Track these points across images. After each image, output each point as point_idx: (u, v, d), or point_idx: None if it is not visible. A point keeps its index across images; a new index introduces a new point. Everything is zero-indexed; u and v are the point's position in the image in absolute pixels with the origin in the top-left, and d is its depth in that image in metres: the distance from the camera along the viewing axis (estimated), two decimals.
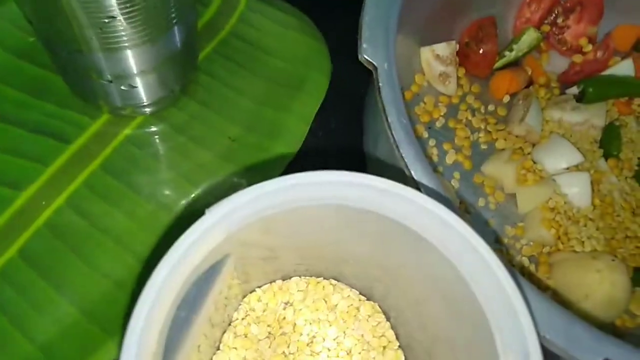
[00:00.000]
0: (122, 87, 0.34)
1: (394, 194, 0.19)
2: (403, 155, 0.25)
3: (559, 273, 0.36)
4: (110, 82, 0.33)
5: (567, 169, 0.38)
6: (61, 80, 0.37)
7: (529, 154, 0.40)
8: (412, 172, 0.25)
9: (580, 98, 0.41)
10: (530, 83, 0.43)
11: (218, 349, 0.27)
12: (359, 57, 0.28)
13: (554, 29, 0.44)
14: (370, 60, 0.27)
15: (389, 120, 0.26)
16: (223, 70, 0.41)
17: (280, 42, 0.42)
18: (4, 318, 0.31)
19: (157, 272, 0.16)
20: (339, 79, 0.42)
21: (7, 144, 0.35)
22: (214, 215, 0.18)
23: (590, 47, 0.43)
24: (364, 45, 0.27)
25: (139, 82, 0.34)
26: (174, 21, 0.32)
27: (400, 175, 0.26)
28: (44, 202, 0.34)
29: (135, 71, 0.33)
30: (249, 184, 0.20)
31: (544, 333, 0.22)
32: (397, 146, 0.25)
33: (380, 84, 0.27)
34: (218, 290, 0.21)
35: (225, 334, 0.27)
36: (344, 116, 0.41)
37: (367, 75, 0.39)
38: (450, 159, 0.39)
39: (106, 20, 0.28)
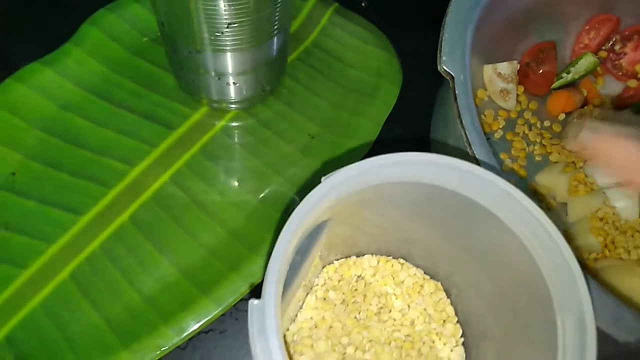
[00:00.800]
0: (224, 84, 0.40)
1: (471, 174, 0.23)
2: (475, 153, 0.29)
3: (604, 277, 0.38)
4: (214, 78, 0.38)
5: (617, 183, 0.41)
6: (167, 75, 0.43)
7: (581, 167, 0.43)
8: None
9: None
10: (585, 104, 0.46)
11: (302, 307, 0.32)
12: (439, 68, 0.32)
13: (611, 55, 0.48)
14: (449, 71, 0.32)
15: (464, 123, 0.30)
16: (305, 76, 0.46)
17: (357, 54, 0.47)
18: (117, 272, 0.36)
19: (291, 219, 0.21)
20: (407, 88, 0.46)
21: (123, 127, 0.41)
22: (329, 182, 0.23)
23: None
24: (444, 58, 0.32)
25: (238, 81, 0.40)
26: (276, 30, 0.37)
27: None
28: (151, 178, 0.40)
29: (237, 71, 0.38)
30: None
31: None
32: (470, 145, 0.29)
33: (457, 92, 0.31)
34: (317, 250, 0.26)
35: (308, 296, 0.32)
36: (409, 121, 0.46)
37: (431, 86, 0.44)
38: (506, 167, 0.43)
39: (225, 27, 0.33)
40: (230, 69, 0.38)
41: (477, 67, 0.46)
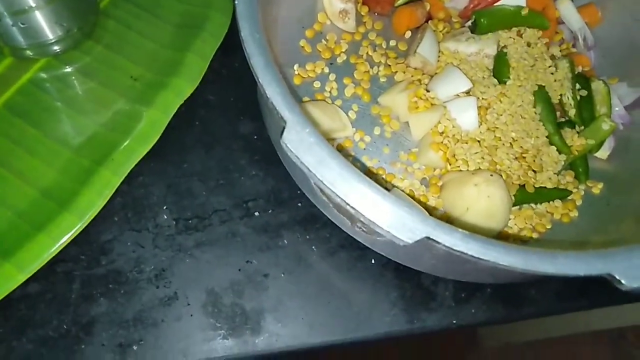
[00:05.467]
0: (10, 26, 0.35)
1: None
2: (253, 65, 0.26)
3: (446, 191, 0.37)
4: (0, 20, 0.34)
5: (458, 95, 0.40)
6: None
7: (426, 84, 0.41)
8: (260, 80, 0.26)
9: (474, 29, 0.42)
10: (429, 18, 0.44)
11: None
12: None
13: None
14: None
15: (242, 35, 0.27)
16: (129, 15, 0.42)
17: None
18: None
19: None
20: None
21: None
22: None
23: None
24: None
25: (26, 21, 0.35)
26: None
27: None
28: None
29: (15, 8, 0.34)
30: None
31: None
32: (248, 57, 0.27)
33: (236, 2, 0.28)
34: None
35: None
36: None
37: None
38: (349, 92, 0.41)
39: None
40: (13, 5, 0.33)
41: None
